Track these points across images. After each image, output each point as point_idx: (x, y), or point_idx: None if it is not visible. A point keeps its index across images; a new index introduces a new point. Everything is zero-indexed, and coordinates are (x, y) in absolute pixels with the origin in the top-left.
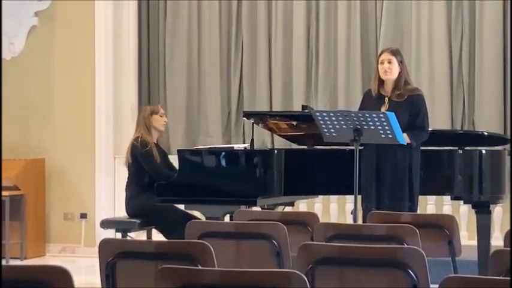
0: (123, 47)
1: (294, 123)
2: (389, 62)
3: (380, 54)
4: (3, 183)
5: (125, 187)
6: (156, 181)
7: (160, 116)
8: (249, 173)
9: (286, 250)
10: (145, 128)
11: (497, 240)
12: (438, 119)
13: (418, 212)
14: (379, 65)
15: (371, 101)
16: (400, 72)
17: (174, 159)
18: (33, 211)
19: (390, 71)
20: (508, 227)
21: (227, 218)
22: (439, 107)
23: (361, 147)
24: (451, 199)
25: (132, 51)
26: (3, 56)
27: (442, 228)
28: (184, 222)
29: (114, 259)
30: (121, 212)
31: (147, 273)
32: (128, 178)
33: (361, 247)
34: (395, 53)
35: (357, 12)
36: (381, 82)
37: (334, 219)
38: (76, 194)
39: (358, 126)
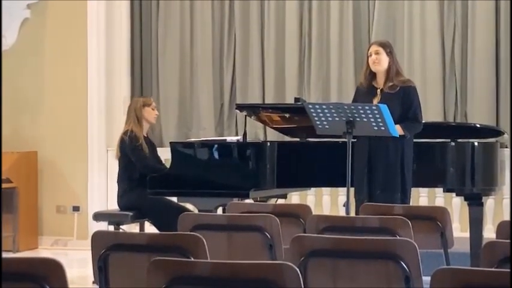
0: (115, 40)
1: (287, 115)
2: (377, 53)
3: (369, 48)
4: None
5: (116, 181)
6: (146, 175)
7: (152, 109)
8: (242, 166)
9: (278, 242)
10: (135, 120)
11: (489, 232)
12: (431, 112)
13: (411, 204)
14: (369, 58)
15: (363, 94)
16: (389, 63)
17: (166, 152)
18: (26, 204)
19: (379, 61)
20: (500, 219)
21: (220, 211)
22: (432, 100)
23: (354, 140)
24: (444, 191)
25: (125, 43)
26: None
27: (434, 220)
28: (176, 215)
29: (107, 251)
30: (114, 205)
31: (139, 266)
32: (119, 173)
33: (354, 239)
34: (383, 44)
35: (349, 5)
36: (373, 75)
37: (326, 211)
38: (68, 187)
39: (351, 119)
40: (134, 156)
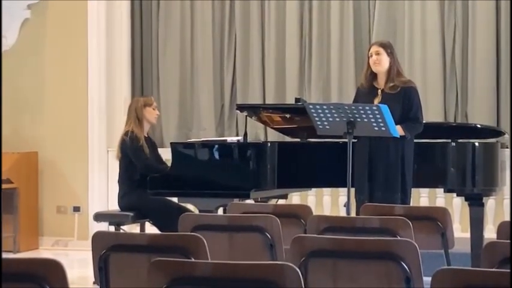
0: (115, 40)
1: (287, 116)
2: (378, 54)
3: (369, 48)
4: None
5: (117, 181)
6: (147, 176)
7: (153, 109)
8: (242, 166)
9: (279, 243)
10: (136, 120)
11: (490, 233)
12: (431, 112)
13: (411, 204)
14: (369, 59)
15: (364, 95)
16: (390, 63)
17: (167, 152)
18: (26, 204)
19: (379, 62)
20: (501, 219)
21: (220, 211)
22: (432, 100)
23: (355, 140)
24: (444, 191)
25: (125, 43)
26: None
27: (435, 221)
28: (177, 215)
29: (107, 252)
30: (114, 205)
31: (140, 266)
32: (119, 173)
33: (354, 239)
34: (384, 45)
35: (350, 5)
36: (374, 75)
37: (327, 211)
38: (69, 187)
39: (352, 119)
40: (135, 157)
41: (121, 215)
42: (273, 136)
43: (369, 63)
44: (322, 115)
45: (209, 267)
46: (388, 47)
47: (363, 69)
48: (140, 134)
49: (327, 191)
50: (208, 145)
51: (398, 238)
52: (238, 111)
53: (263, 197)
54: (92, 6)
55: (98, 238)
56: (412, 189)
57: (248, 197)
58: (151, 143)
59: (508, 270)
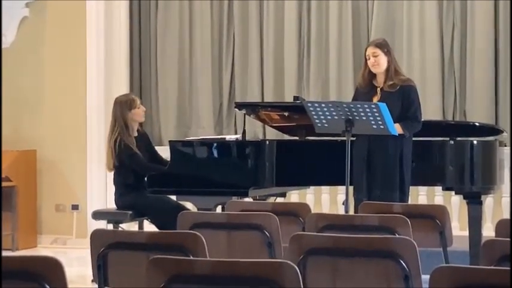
0: (114, 39)
1: (286, 114)
2: (375, 56)
3: (366, 49)
4: None
5: (112, 183)
6: (143, 177)
7: (138, 108)
8: (241, 164)
9: (278, 241)
10: (123, 127)
11: (488, 231)
12: (430, 110)
13: (410, 202)
14: (367, 61)
15: (363, 93)
16: (388, 62)
17: (165, 150)
18: (25, 202)
19: (377, 64)
20: (499, 217)
21: (219, 209)
22: (431, 98)
23: (353, 138)
24: (443, 190)
25: (124, 42)
26: None
27: (433, 219)
28: (176, 213)
29: (106, 250)
30: (113, 203)
31: (138, 264)
32: (114, 177)
33: (353, 237)
34: (380, 45)
35: (348, 5)
36: (373, 74)
37: (325, 209)
38: (68, 186)
39: (350, 117)
40: (134, 165)
41: (119, 213)
42: (272, 134)
43: (366, 63)
44: (320, 113)
45: (208, 265)
46: (384, 46)
47: (361, 69)
48: (130, 141)
49: (325, 189)
50: (206, 143)
51: (397, 236)
52: (236, 110)
53: (261, 195)
54: (91, 5)
55: (97, 236)
56: (411, 187)
57: (247, 195)
58: (143, 140)
59: (507, 268)
